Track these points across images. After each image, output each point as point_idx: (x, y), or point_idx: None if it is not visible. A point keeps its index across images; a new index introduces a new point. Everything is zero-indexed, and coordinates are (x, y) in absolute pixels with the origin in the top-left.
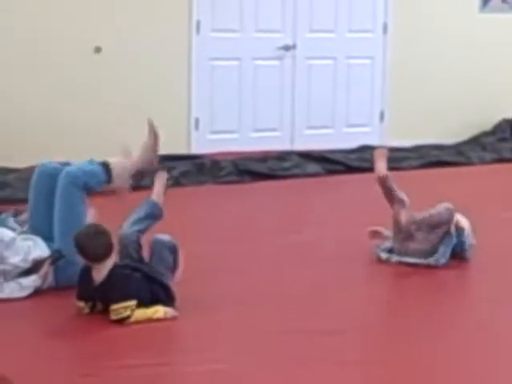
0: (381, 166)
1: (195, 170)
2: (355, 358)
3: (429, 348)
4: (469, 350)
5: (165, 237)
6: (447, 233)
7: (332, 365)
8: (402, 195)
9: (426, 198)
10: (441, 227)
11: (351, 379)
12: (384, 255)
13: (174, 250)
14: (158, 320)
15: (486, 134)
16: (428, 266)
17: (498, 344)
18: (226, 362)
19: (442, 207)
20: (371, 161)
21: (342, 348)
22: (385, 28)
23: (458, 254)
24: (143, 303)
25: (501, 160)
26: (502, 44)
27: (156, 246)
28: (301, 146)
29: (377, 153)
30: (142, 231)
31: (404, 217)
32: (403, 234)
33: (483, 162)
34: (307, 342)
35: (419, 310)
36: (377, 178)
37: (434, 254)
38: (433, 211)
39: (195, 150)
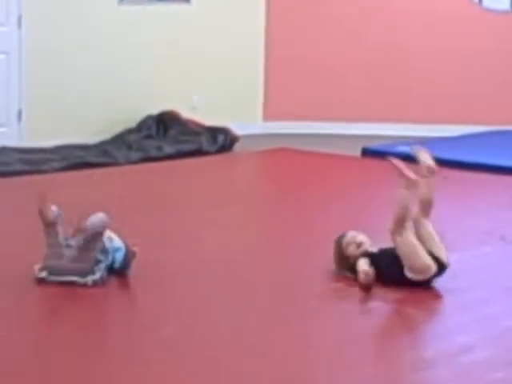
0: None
1: None
2: None
3: None
4: None
5: None
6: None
7: None
8: None
9: (75, 201)
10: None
11: None
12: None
13: None
14: None
15: (130, 131)
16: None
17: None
18: None
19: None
20: (12, 163)
21: None
22: (19, 21)
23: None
24: None
25: (147, 159)
26: (142, 36)
27: None
28: None
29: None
30: None
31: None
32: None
33: (129, 161)
34: None
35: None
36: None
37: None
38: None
39: None
